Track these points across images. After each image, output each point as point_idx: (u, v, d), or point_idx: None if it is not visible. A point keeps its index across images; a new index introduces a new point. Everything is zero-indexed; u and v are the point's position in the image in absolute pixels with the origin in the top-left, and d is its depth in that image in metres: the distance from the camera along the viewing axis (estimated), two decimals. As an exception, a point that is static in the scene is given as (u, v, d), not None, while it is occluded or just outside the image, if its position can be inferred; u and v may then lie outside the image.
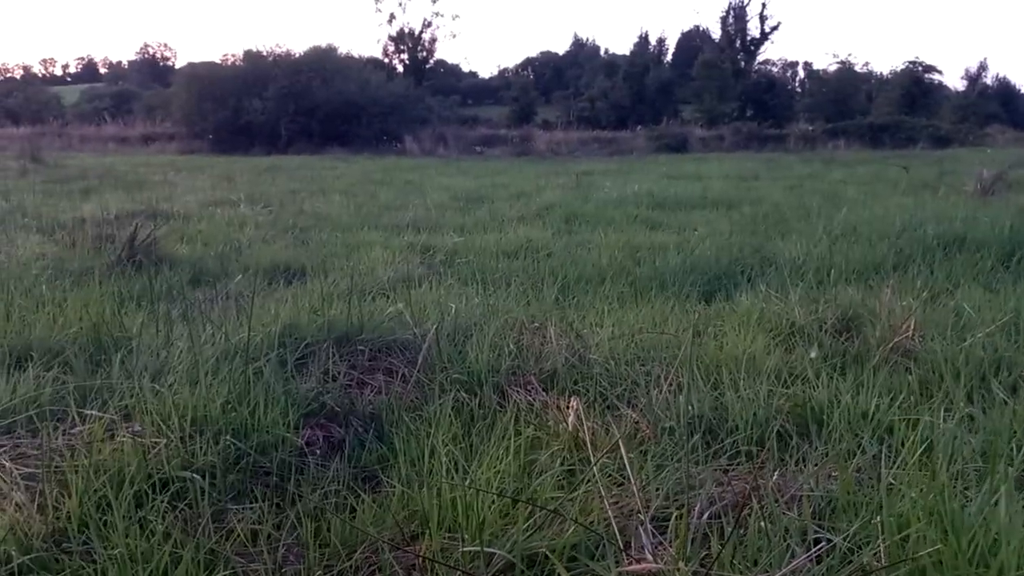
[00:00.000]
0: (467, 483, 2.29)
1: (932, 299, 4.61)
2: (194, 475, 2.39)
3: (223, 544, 2.17)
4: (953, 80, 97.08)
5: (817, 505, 2.25)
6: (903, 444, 2.58)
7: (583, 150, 34.01)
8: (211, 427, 2.68)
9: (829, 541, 2.03)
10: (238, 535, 2.22)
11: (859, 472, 2.46)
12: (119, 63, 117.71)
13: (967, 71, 61.35)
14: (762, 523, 2.05)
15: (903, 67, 54.45)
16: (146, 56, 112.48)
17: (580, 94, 64.43)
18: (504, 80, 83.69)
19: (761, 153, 30.79)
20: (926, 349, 3.60)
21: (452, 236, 7.47)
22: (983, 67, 60.23)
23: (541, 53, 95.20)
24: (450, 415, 2.91)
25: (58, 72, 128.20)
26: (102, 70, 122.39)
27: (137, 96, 59.68)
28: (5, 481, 2.30)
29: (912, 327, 3.73)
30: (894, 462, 2.44)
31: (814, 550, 1.99)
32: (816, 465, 2.51)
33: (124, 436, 2.55)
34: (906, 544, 1.94)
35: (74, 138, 35.13)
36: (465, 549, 2.07)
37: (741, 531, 2.07)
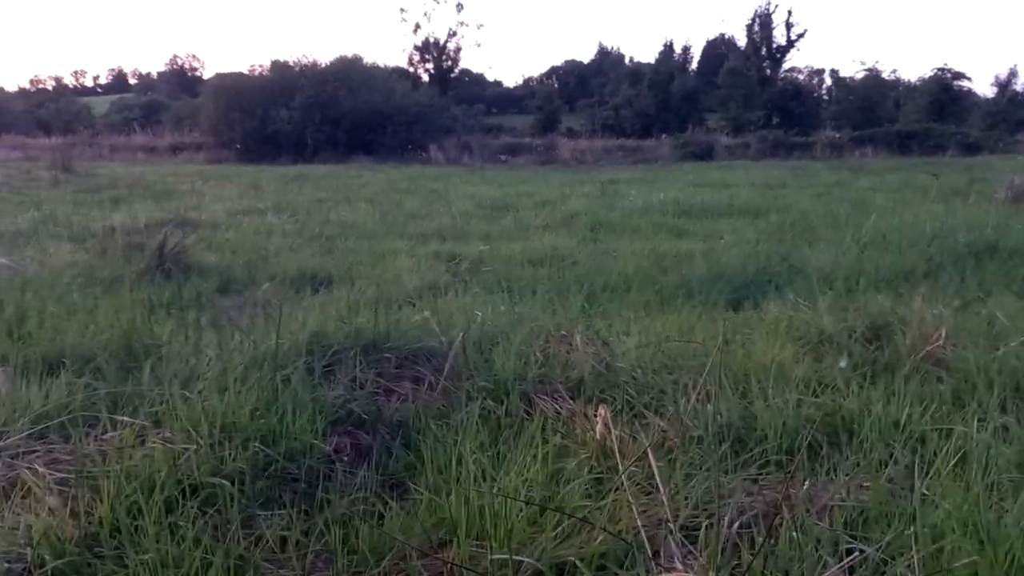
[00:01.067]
0: (495, 491, 2.29)
1: (963, 307, 4.56)
2: (223, 481, 2.41)
3: (252, 550, 2.18)
4: (983, 87, 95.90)
5: (849, 515, 2.22)
6: (936, 454, 2.55)
7: (608, 158, 33.96)
8: (240, 434, 2.69)
9: (861, 552, 2.01)
10: (267, 541, 2.23)
11: (891, 482, 2.43)
12: (148, 74, 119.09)
13: (997, 78, 60.29)
14: (793, 533, 2.03)
15: (931, 74, 53.85)
16: (175, 67, 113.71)
17: (605, 102, 64.23)
18: (528, 89, 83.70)
19: (788, 161, 30.57)
20: (958, 358, 3.56)
21: (477, 244, 7.48)
22: (1013, 73, 59.17)
23: (566, 62, 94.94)
24: (477, 423, 2.91)
25: (89, 83, 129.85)
26: (132, 81, 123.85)
27: (166, 107, 60.29)
28: (39, 486, 2.33)
29: (943, 336, 3.69)
30: (927, 472, 2.41)
31: (846, 561, 1.96)
32: (847, 475, 2.48)
33: (155, 442, 2.57)
34: (940, 555, 1.92)
35: (104, 148, 35.55)
36: (494, 557, 2.06)
37: (772, 541, 2.05)
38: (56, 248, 6.91)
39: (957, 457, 2.47)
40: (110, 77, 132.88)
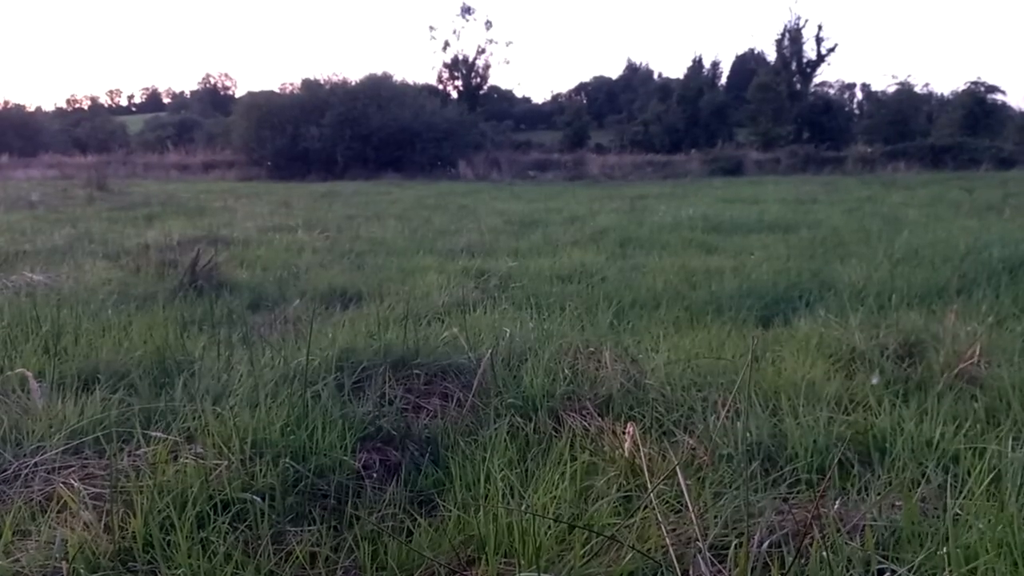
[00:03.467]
0: (523, 508, 2.29)
1: (998, 324, 4.49)
2: (254, 497, 2.43)
3: (282, 566, 2.20)
4: (1017, 100, 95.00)
5: (880, 535, 2.20)
6: (969, 473, 2.51)
7: (637, 174, 33.96)
8: (271, 450, 2.72)
9: (894, 572, 1.98)
10: (297, 557, 2.24)
11: (924, 502, 2.40)
12: (182, 93, 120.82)
13: (1031, 91, 59.76)
14: (824, 553, 2.01)
15: (964, 87, 53.42)
16: (208, 86, 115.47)
17: (634, 118, 64.31)
18: (557, 105, 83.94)
19: (819, 176, 30.41)
20: (992, 375, 3.51)
21: (506, 260, 7.48)
22: (1048, 86, 58.60)
23: (594, 78, 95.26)
24: (505, 440, 2.91)
25: (124, 102, 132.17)
26: (165, 100, 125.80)
27: (199, 125, 61.29)
28: (74, 501, 2.37)
29: (977, 353, 3.64)
30: (960, 492, 2.38)
31: (876, 579, 1.94)
32: (879, 494, 2.45)
33: (187, 458, 2.60)
34: (974, 576, 1.89)
35: (138, 166, 36.15)
36: (522, 575, 2.06)
37: (803, 561, 2.03)
38: (91, 265, 7.02)
39: (991, 477, 2.43)
40: (144, 96, 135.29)
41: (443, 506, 2.55)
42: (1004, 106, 53.53)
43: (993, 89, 52.45)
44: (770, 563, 2.03)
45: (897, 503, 2.38)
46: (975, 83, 52.69)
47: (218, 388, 3.29)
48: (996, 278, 5.81)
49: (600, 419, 3.19)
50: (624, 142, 52.53)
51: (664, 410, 3.24)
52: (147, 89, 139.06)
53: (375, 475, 2.83)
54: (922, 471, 2.61)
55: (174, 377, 3.44)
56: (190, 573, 2.05)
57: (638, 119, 62.02)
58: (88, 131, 58.86)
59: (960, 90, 54.21)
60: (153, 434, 2.77)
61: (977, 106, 50.73)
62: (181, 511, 2.29)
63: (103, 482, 2.49)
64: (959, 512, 2.23)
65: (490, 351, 3.64)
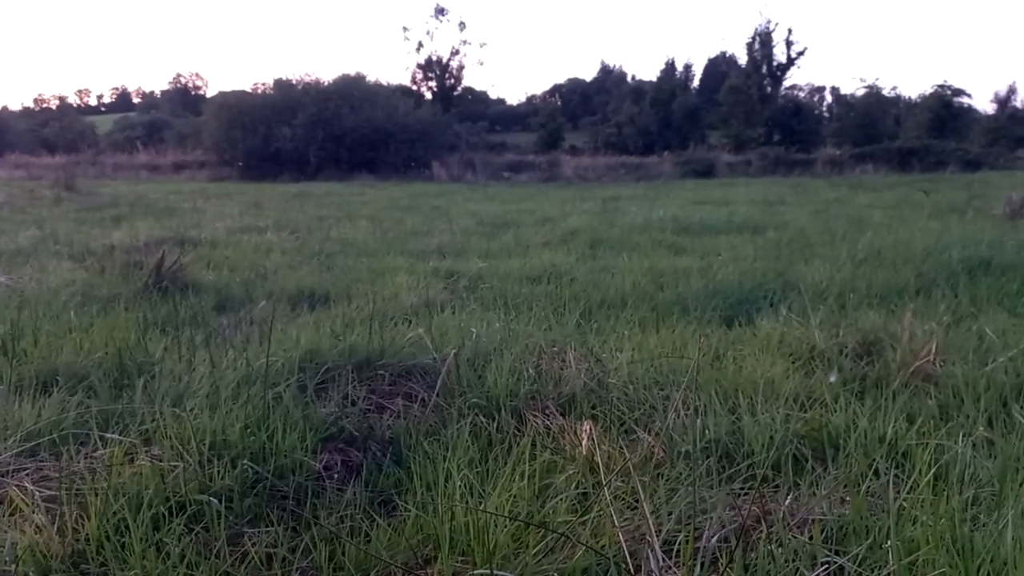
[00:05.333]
0: (480, 507, 2.30)
1: (955, 323, 4.57)
2: (211, 498, 2.42)
3: (238, 567, 2.20)
4: (983, 103, 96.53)
5: (829, 529, 2.24)
6: (917, 468, 2.56)
7: (610, 175, 34.07)
8: (229, 451, 2.71)
9: (833, 563, 2.02)
10: (252, 558, 2.24)
11: (872, 496, 2.44)
12: (152, 93, 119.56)
13: (996, 94, 60.33)
14: (771, 547, 2.04)
15: (931, 91, 54.09)
16: (178, 86, 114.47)
17: (607, 120, 64.59)
18: (531, 106, 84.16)
19: (788, 178, 30.67)
20: (947, 373, 3.57)
21: (477, 262, 7.49)
22: (1012, 90, 59.03)
23: (568, 80, 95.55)
24: (467, 440, 2.93)
25: (93, 102, 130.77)
26: (135, 100, 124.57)
27: (169, 125, 60.73)
28: (27, 503, 2.35)
29: (933, 351, 3.70)
30: (908, 487, 2.42)
31: (819, 570, 1.98)
32: (829, 489, 2.49)
33: (143, 460, 2.59)
34: (915, 568, 1.93)
35: (107, 166, 35.73)
36: (475, 573, 2.08)
37: (751, 554, 2.06)
38: (55, 266, 6.94)
39: (936, 471, 2.47)
40: (114, 96, 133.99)
41: (402, 506, 2.55)
42: (970, 109, 54.29)
43: (959, 92, 53.16)
44: (719, 557, 2.06)
45: (846, 498, 2.42)
46: (942, 86, 53.41)
47: (178, 390, 3.27)
48: (955, 278, 5.90)
49: (562, 418, 3.21)
50: (598, 144, 52.70)
51: (626, 408, 3.27)
52: (117, 89, 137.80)
53: (336, 476, 2.83)
54: (870, 465, 2.65)
55: (134, 379, 3.41)
56: (143, 574, 2.04)
57: (612, 121, 62.29)
58: (56, 131, 58.09)
59: (927, 93, 54.91)
60: (110, 436, 2.75)
61: (944, 109, 51.36)
62: (136, 513, 2.28)
63: (58, 484, 2.47)
64: (905, 506, 2.27)
65: (454, 351, 3.65)
